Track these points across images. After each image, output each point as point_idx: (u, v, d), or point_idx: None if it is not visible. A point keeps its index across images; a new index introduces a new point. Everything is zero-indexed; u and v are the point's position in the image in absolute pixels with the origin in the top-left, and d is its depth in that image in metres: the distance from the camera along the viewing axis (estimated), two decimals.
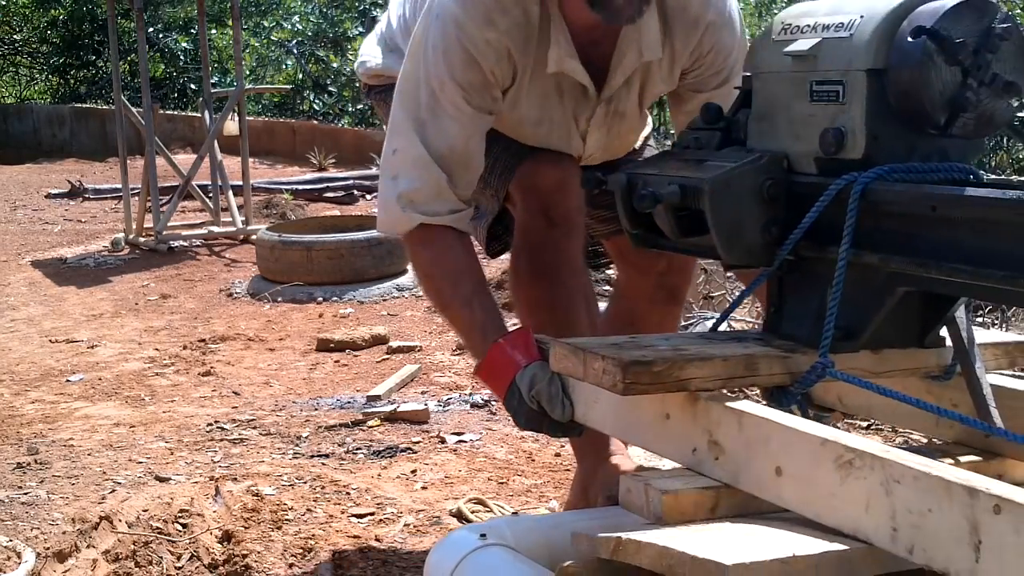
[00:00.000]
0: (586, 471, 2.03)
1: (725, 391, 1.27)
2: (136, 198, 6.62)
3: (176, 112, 12.76)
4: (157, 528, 2.39)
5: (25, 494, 2.51)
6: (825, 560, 1.02)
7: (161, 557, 2.31)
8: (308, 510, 2.48)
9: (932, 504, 0.96)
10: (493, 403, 3.33)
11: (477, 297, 1.78)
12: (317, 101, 12.62)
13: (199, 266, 5.93)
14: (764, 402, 1.30)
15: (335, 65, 12.36)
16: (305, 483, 2.64)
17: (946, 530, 0.95)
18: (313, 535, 2.36)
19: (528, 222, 1.96)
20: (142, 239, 6.39)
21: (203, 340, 4.31)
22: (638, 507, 1.20)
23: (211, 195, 6.79)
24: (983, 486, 0.93)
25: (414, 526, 2.42)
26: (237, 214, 6.59)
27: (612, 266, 2.49)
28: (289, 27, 12.83)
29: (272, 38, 13.03)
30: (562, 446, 2.88)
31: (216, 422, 3.24)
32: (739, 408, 1.18)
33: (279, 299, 4.99)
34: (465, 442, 2.99)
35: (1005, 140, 7.16)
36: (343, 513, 2.48)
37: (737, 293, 1.66)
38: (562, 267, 1.93)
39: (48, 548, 2.23)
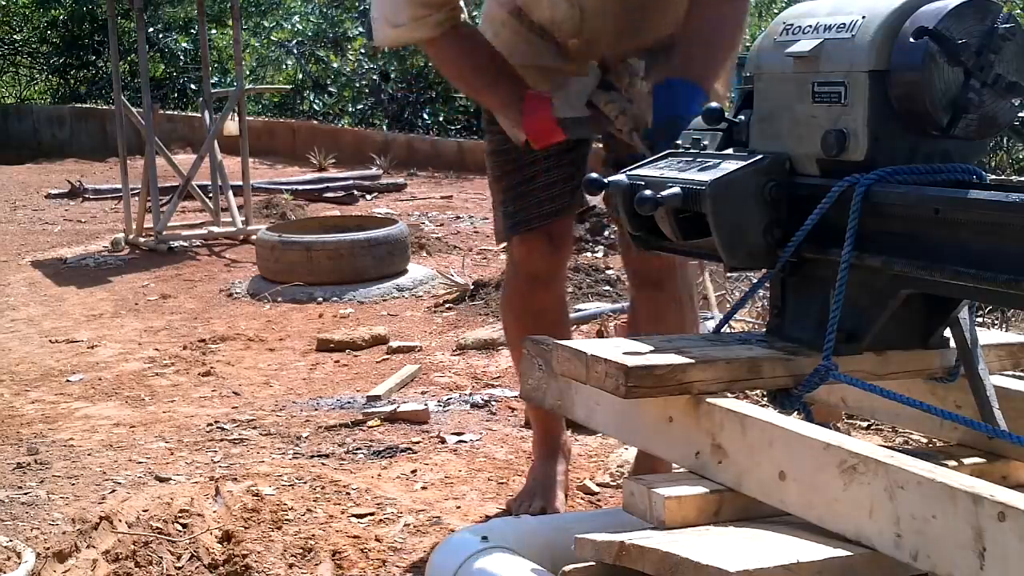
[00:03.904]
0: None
1: (728, 394, 1.26)
2: (136, 198, 6.61)
3: (176, 112, 12.75)
4: (157, 528, 2.39)
5: (25, 494, 2.51)
6: (829, 566, 1.01)
7: (161, 557, 2.31)
8: (308, 510, 2.48)
9: (936, 510, 0.96)
10: (493, 403, 3.33)
11: (502, 78, 2.13)
12: (317, 101, 12.61)
13: (199, 266, 5.93)
14: (768, 405, 1.29)
15: (335, 65, 12.36)
16: (305, 483, 2.63)
17: (950, 537, 0.95)
18: (313, 535, 2.36)
19: (508, 271, 2.52)
20: (142, 239, 6.39)
21: (203, 340, 4.30)
22: (641, 511, 1.19)
23: (211, 195, 6.79)
24: (987, 493, 0.92)
25: (414, 526, 2.42)
26: (237, 214, 6.58)
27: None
28: (289, 27, 12.82)
29: (272, 38, 13.02)
30: None
31: (216, 422, 3.24)
32: (742, 412, 1.18)
33: (279, 299, 4.99)
34: (465, 442, 2.99)
35: (1005, 140, 7.15)
36: (343, 513, 2.48)
37: (738, 294, 1.67)
38: (525, 311, 2.42)
39: (48, 548, 2.23)
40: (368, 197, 8.31)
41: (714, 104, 1.47)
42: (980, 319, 3.57)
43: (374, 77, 12.07)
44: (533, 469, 2.55)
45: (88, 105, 13.94)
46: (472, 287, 4.80)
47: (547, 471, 2.50)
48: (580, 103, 2.03)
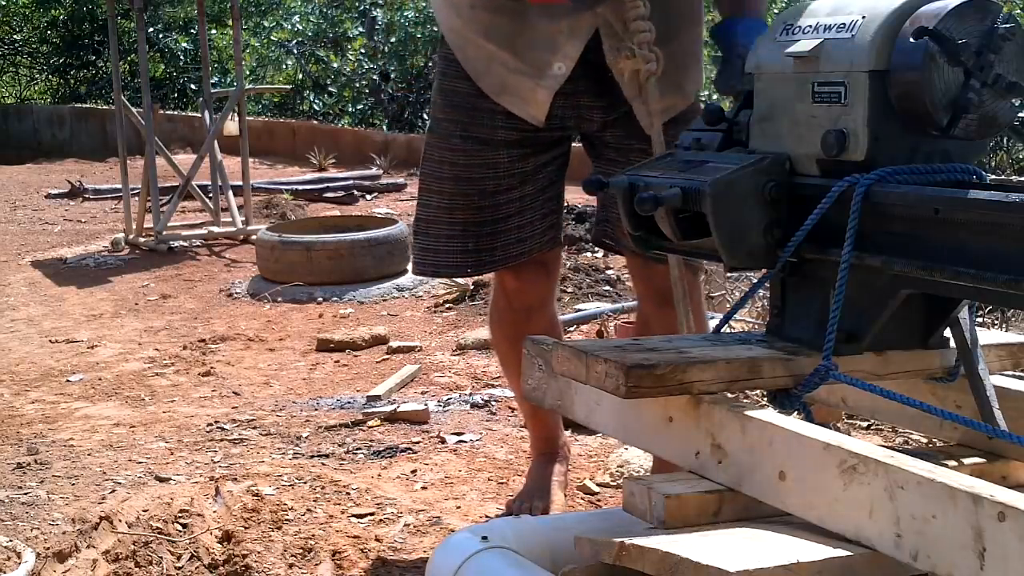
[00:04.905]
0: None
1: (728, 394, 1.26)
2: (136, 198, 6.61)
3: (176, 112, 12.75)
4: (157, 528, 2.39)
5: (25, 494, 2.51)
6: (829, 566, 1.01)
7: (161, 557, 2.31)
8: (308, 510, 2.48)
9: (936, 510, 0.96)
10: (493, 403, 3.33)
11: None
12: (317, 101, 12.61)
13: (199, 266, 5.93)
14: (768, 405, 1.29)
15: (335, 65, 12.35)
16: (305, 483, 2.63)
17: (950, 537, 0.95)
18: (313, 535, 2.36)
19: (497, 298, 2.41)
20: (142, 239, 6.38)
21: (203, 340, 4.30)
22: (641, 511, 1.19)
23: (211, 195, 6.79)
24: (987, 493, 0.92)
25: (414, 526, 2.42)
26: (237, 214, 6.58)
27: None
28: (289, 27, 12.81)
29: (272, 38, 13.01)
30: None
31: (216, 422, 3.24)
32: (742, 412, 1.18)
33: (279, 299, 4.98)
34: (465, 442, 2.99)
35: (1005, 140, 7.15)
36: (343, 513, 2.48)
37: (738, 294, 1.68)
38: (518, 338, 2.24)
39: (48, 548, 2.22)
40: (368, 197, 8.30)
41: (714, 104, 1.47)
42: (980, 319, 3.57)
43: (374, 77, 12.07)
44: (531, 469, 2.54)
45: (88, 105, 13.94)
46: (472, 287, 4.80)
47: (544, 472, 2.49)
48: None
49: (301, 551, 2.31)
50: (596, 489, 2.61)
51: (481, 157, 2.16)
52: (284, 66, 13.20)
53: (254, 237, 5.79)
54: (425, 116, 11.85)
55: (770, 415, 1.19)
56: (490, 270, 2.26)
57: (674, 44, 2.07)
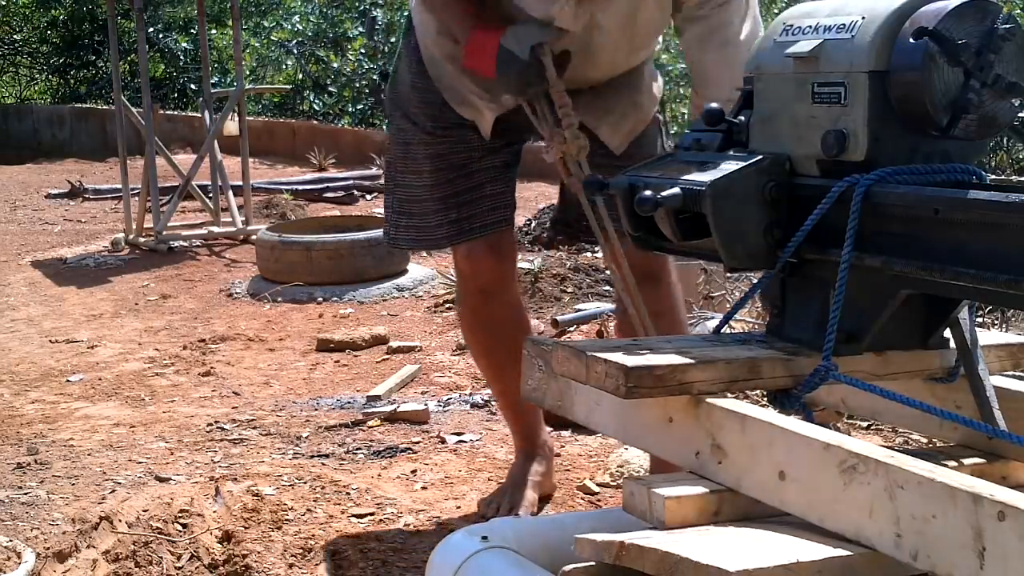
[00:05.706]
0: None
1: (728, 394, 1.26)
2: (136, 198, 6.61)
3: (176, 112, 12.75)
4: (157, 528, 2.39)
5: (25, 494, 2.51)
6: (828, 566, 1.01)
7: (161, 557, 2.31)
8: (308, 510, 2.48)
9: (936, 510, 0.96)
10: (493, 403, 3.33)
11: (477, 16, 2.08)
12: (317, 101, 12.62)
13: (199, 266, 5.93)
14: (768, 405, 1.29)
15: (335, 65, 12.36)
16: (305, 483, 2.64)
17: (950, 536, 0.95)
18: (313, 535, 2.36)
19: (459, 284, 2.51)
20: (142, 239, 6.39)
21: (203, 340, 4.31)
22: (641, 511, 1.19)
23: (211, 195, 6.79)
24: (987, 492, 0.92)
25: (414, 526, 2.42)
26: (237, 214, 6.58)
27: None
28: (289, 27, 12.82)
29: (272, 38, 13.02)
30: (562, 446, 2.88)
31: (216, 422, 3.24)
32: (742, 412, 1.18)
33: (279, 299, 4.99)
34: (465, 442, 2.99)
35: (1005, 140, 7.15)
36: (343, 513, 2.48)
37: (738, 294, 1.68)
38: (478, 324, 2.45)
39: (48, 548, 2.23)
40: (368, 197, 8.31)
41: (714, 105, 1.47)
42: (980, 319, 3.57)
43: (374, 77, 12.08)
44: (511, 467, 2.56)
45: (88, 105, 13.94)
46: None
47: (522, 470, 2.50)
48: (526, 43, 1.97)
49: (301, 551, 2.31)
50: (596, 489, 2.61)
51: (452, 136, 2.29)
52: (284, 66, 13.21)
53: (254, 237, 5.79)
54: None
55: (770, 415, 1.19)
56: (470, 237, 2.33)
57: (627, 75, 2.22)
